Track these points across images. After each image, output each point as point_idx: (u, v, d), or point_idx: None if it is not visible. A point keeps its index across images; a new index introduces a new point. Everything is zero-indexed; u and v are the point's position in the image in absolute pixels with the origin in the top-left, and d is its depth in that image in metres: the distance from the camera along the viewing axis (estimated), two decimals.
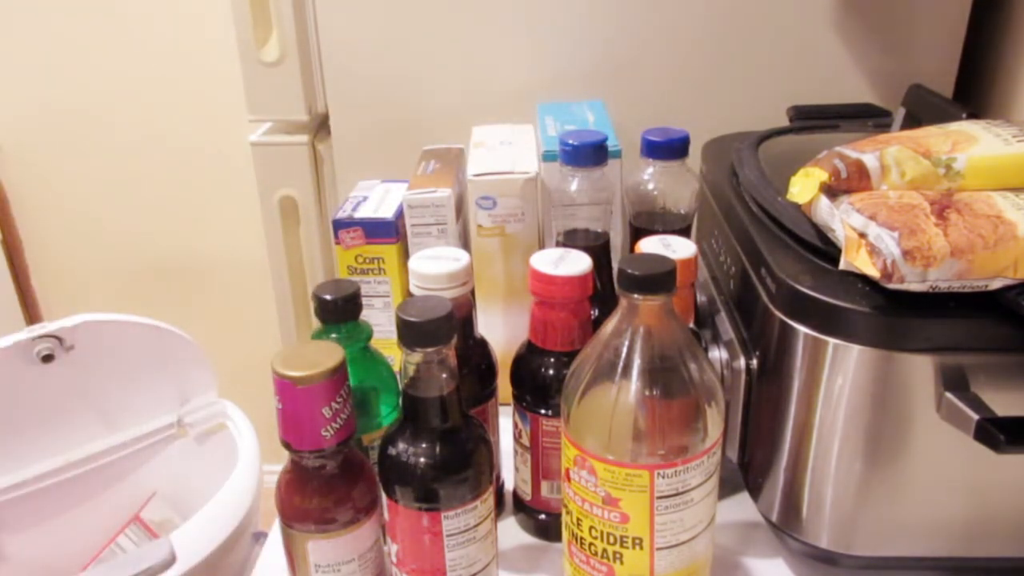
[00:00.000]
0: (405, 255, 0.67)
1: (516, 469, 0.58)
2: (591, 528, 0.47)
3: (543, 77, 0.86)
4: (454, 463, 0.46)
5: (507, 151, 0.70)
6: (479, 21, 0.85)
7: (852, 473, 0.49)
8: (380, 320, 0.67)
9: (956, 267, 0.43)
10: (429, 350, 0.45)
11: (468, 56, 0.86)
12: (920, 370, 0.45)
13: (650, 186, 0.65)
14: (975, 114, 0.56)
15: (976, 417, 0.43)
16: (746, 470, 0.57)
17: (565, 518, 0.49)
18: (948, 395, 0.45)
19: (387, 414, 0.54)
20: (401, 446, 0.47)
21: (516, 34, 0.85)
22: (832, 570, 0.53)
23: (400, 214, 0.66)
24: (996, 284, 0.44)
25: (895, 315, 0.45)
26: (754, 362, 0.53)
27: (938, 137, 0.51)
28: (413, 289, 0.54)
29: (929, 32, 0.82)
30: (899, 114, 0.66)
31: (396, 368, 0.52)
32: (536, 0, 0.83)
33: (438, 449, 0.46)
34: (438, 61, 0.86)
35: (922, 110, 0.63)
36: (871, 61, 0.84)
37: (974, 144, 0.50)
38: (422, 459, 0.46)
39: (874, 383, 0.46)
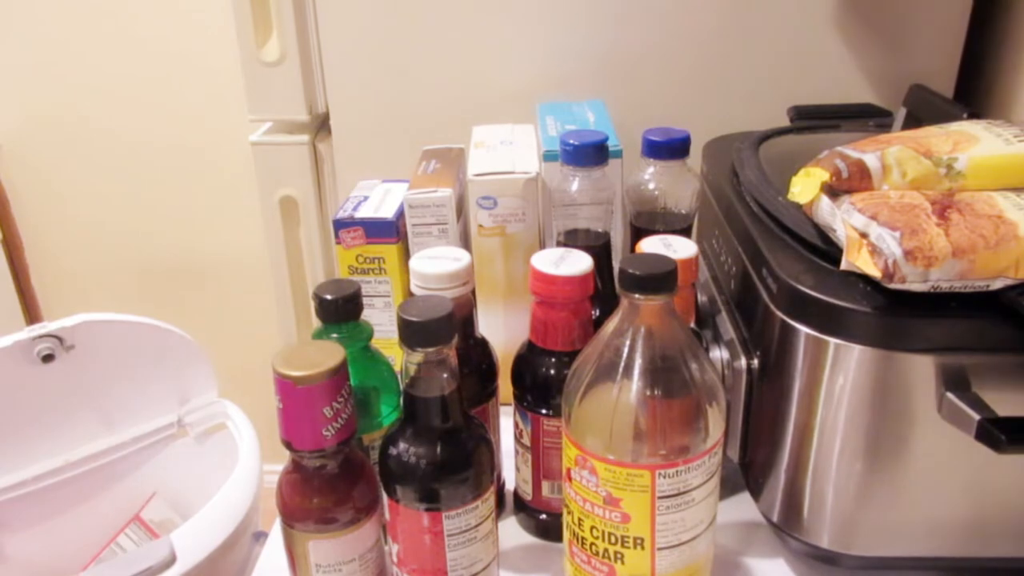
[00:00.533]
0: (406, 255, 0.67)
1: (517, 469, 0.58)
2: (592, 528, 0.47)
3: (544, 77, 0.86)
4: (455, 463, 0.46)
5: (508, 151, 0.70)
6: (480, 20, 0.85)
7: (853, 473, 0.49)
8: (381, 320, 0.67)
9: (957, 267, 0.43)
10: (430, 350, 0.45)
11: (469, 56, 0.86)
12: (921, 370, 0.45)
13: (651, 186, 0.65)
14: (976, 114, 0.57)
15: (977, 417, 0.43)
16: (747, 470, 0.57)
17: (566, 518, 0.49)
18: (949, 395, 0.45)
19: (388, 414, 0.54)
20: (402, 446, 0.47)
21: (517, 34, 0.85)
22: (833, 570, 0.53)
23: (401, 214, 0.66)
24: (997, 284, 0.44)
25: (896, 315, 0.45)
26: (755, 362, 0.53)
27: (939, 137, 0.51)
28: (414, 289, 0.54)
29: (930, 32, 0.82)
30: (900, 114, 0.66)
31: (397, 368, 0.52)
32: (537, 0, 0.83)
33: (439, 449, 0.46)
34: (438, 60, 0.86)
35: (923, 110, 0.63)
36: (872, 61, 0.84)
37: (975, 144, 0.50)
38: (423, 459, 0.46)
39: (875, 383, 0.46)
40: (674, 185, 0.65)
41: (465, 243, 0.69)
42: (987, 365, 0.45)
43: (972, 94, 0.87)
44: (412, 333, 0.45)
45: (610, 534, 0.46)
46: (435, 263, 0.53)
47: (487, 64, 0.86)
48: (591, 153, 0.60)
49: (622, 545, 0.46)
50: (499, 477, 0.62)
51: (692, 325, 0.58)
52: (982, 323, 0.44)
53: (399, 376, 0.49)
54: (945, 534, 0.50)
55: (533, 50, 0.86)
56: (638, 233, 0.65)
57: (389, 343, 0.56)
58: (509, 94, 0.87)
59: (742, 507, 0.59)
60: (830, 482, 0.50)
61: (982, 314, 0.44)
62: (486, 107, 0.87)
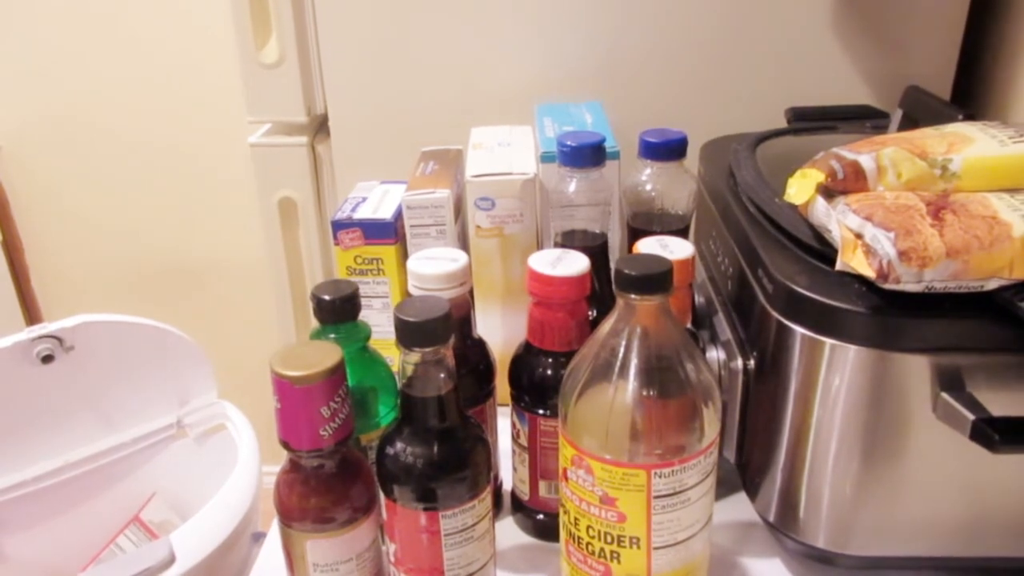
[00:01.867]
0: (404, 256, 0.67)
1: (514, 469, 0.59)
2: (588, 527, 0.47)
3: (541, 78, 0.86)
4: (452, 463, 0.46)
5: (505, 152, 0.70)
6: (478, 22, 0.85)
7: (849, 473, 0.49)
8: (379, 320, 0.67)
9: (952, 268, 0.44)
10: (426, 350, 0.45)
11: (467, 57, 0.86)
12: (916, 370, 0.45)
13: (648, 187, 0.66)
14: (972, 115, 0.57)
15: (971, 417, 0.43)
16: (743, 470, 0.57)
17: (563, 518, 0.49)
18: (944, 395, 0.45)
19: (385, 414, 0.54)
20: (399, 446, 0.47)
21: (515, 36, 0.85)
22: (829, 570, 0.53)
23: (399, 215, 0.67)
24: (991, 285, 0.44)
25: (891, 315, 0.45)
26: (751, 362, 0.54)
27: (934, 138, 0.51)
28: (412, 289, 0.54)
29: (926, 34, 0.83)
30: (896, 116, 0.66)
31: (395, 368, 0.52)
32: (535, 2, 0.84)
33: (436, 449, 0.46)
34: (437, 62, 0.87)
35: (919, 112, 0.63)
36: (869, 63, 0.84)
37: (970, 145, 0.50)
38: (420, 459, 0.46)
39: (870, 383, 0.46)
40: (671, 186, 0.65)
41: (463, 244, 0.69)
42: (981, 365, 0.45)
43: (968, 96, 0.87)
44: (409, 333, 0.45)
45: (606, 534, 0.46)
46: (433, 264, 0.54)
47: (485, 66, 0.87)
48: (588, 154, 0.60)
49: (618, 544, 0.46)
50: (496, 477, 0.62)
51: (689, 326, 0.58)
52: (976, 323, 0.45)
53: (397, 376, 0.49)
54: (941, 534, 0.50)
55: (531, 52, 0.86)
56: (635, 234, 0.66)
57: (387, 344, 0.56)
58: (507, 96, 0.87)
59: (739, 507, 0.59)
60: (826, 482, 0.50)
61: (976, 314, 0.44)
62: (484, 109, 0.87)
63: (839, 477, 0.49)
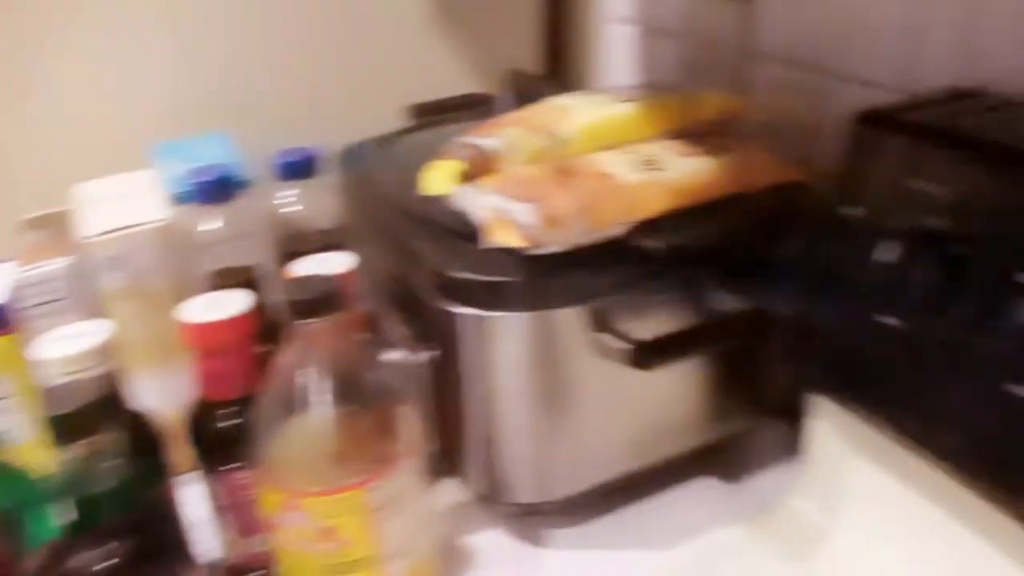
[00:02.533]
0: (26, 344, 0.58)
1: (219, 535, 0.53)
2: (315, 565, 0.45)
3: (151, 118, 0.79)
4: (145, 554, 0.41)
5: (128, 202, 0.63)
6: (68, 71, 0.76)
7: (536, 429, 0.53)
8: (9, 425, 0.57)
9: (584, 224, 0.48)
10: (84, 441, 0.39)
11: (64, 111, 0.76)
12: (573, 321, 0.50)
13: (293, 208, 0.64)
14: (568, 87, 0.63)
15: (624, 347, 0.49)
16: (448, 456, 0.58)
17: (285, 565, 0.46)
18: (599, 335, 0.50)
19: (49, 528, 0.46)
20: (79, 557, 0.40)
21: (117, 78, 0.77)
22: (544, 519, 0.56)
23: (11, 299, 0.57)
24: (618, 231, 0.49)
25: (542, 278, 0.48)
26: (429, 353, 0.55)
27: (544, 113, 0.57)
28: (48, 380, 0.47)
29: (511, 20, 0.91)
30: (506, 98, 0.72)
31: (50, 473, 0.44)
32: (129, 39, 0.77)
33: (122, 546, 0.40)
34: (27, 118, 0.75)
35: (524, 91, 0.69)
36: (469, 54, 0.90)
37: (575, 114, 0.56)
38: (109, 561, 0.40)
39: (536, 343, 0.50)
40: (315, 202, 0.64)
41: (98, 313, 0.61)
42: (624, 303, 0.50)
43: (561, 71, 0.98)
44: (59, 427, 0.39)
45: (335, 565, 0.44)
46: (66, 345, 0.46)
47: (84, 114, 0.77)
48: (222, 187, 0.57)
49: (351, 571, 0.45)
50: (199, 553, 0.56)
51: (365, 335, 0.58)
52: (613, 269, 0.50)
53: (55, 480, 0.42)
54: (620, 453, 0.56)
55: (134, 91, 0.78)
56: (290, 258, 0.63)
57: (26, 449, 0.48)
58: (116, 141, 0.78)
59: (452, 491, 0.59)
60: (518, 443, 0.53)
61: (612, 260, 0.49)
62: (92, 160, 0.78)
63: (531, 434, 0.53)
